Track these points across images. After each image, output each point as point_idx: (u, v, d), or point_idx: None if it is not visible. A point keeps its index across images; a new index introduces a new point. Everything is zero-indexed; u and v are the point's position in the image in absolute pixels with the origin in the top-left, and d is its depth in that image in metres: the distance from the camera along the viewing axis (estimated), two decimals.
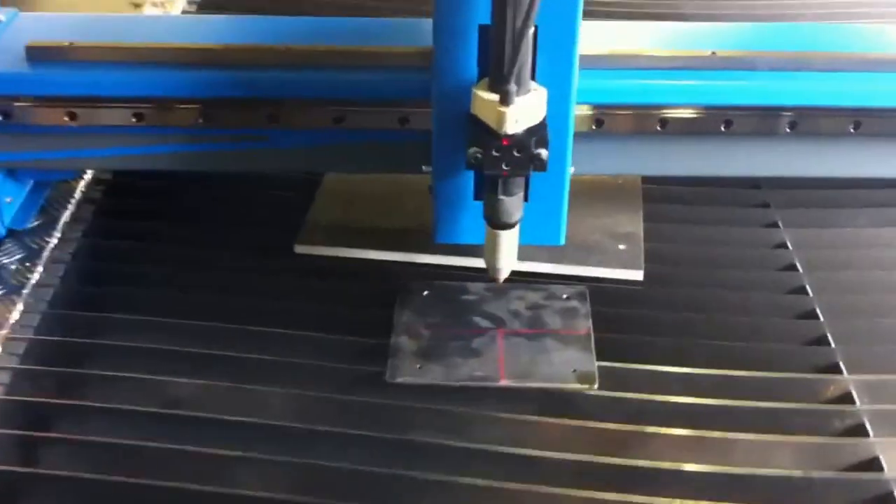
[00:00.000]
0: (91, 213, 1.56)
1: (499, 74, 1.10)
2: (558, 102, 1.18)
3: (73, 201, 1.56)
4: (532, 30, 1.07)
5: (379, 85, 1.33)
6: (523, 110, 1.11)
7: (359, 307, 1.39)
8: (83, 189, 1.59)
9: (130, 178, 1.61)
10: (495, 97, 1.10)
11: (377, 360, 1.30)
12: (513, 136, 1.11)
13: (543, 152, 1.13)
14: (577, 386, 1.26)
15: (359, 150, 1.37)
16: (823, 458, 1.20)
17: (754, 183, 1.65)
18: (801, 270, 1.48)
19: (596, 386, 1.26)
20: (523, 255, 1.39)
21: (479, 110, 1.13)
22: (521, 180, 1.18)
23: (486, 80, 1.14)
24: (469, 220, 1.29)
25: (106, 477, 1.15)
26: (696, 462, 1.18)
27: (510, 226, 1.22)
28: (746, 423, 1.23)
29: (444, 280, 1.43)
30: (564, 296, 1.39)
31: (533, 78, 1.14)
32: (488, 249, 1.26)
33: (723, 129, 1.37)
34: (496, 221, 1.21)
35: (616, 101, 1.35)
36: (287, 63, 1.34)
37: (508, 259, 1.27)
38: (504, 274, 1.29)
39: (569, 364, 1.28)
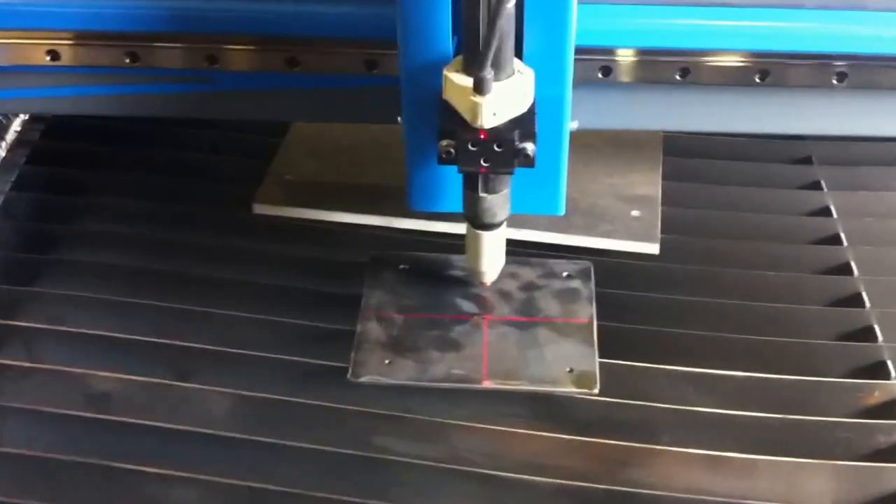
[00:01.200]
0: (24, 159, 1.35)
1: (472, 57, 0.90)
2: (553, 56, 0.97)
3: (3, 144, 1.35)
4: (511, 3, 0.85)
5: (341, 20, 1.11)
6: (503, 100, 0.91)
7: (323, 282, 1.19)
8: (18, 129, 1.38)
9: (73, 117, 1.39)
10: (468, 83, 0.90)
11: (340, 350, 1.10)
12: (492, 128, 0.92)
13: (530, 147, 0.93)
14: (574, 390, 1.06)
15: (317, 98, 1.17)
16: (866, 484, 1.00)
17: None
18: (845, 244, 1.26)
19: (596, 390, 1.06)
20: (518, 221, 1.19)
21: (451, 96, 0.93)
22: (506, 176, 0.99)
23: (460, 59, 0.93)
24: (448, 185, 1.08)
25: (9, 500, 0.96)
26: (713, 489, 0.99)
27: (495, 226, 1.04)
28: (775, 440, 1.03)
29: (424, 250, 1.22)
30: (565, 273, 1.18)
31: (518, 56, 0.94)
32: (470, 251, 1.08)
33: (757, 79, 1.13)
34: (478, 222, 1.03)
35: (626, 45, 1.13)
36: None
37: (495, 261, 1.09)
38: (491, 277, 1.11)
39: (565, 361, 1.08)
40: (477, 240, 1.06)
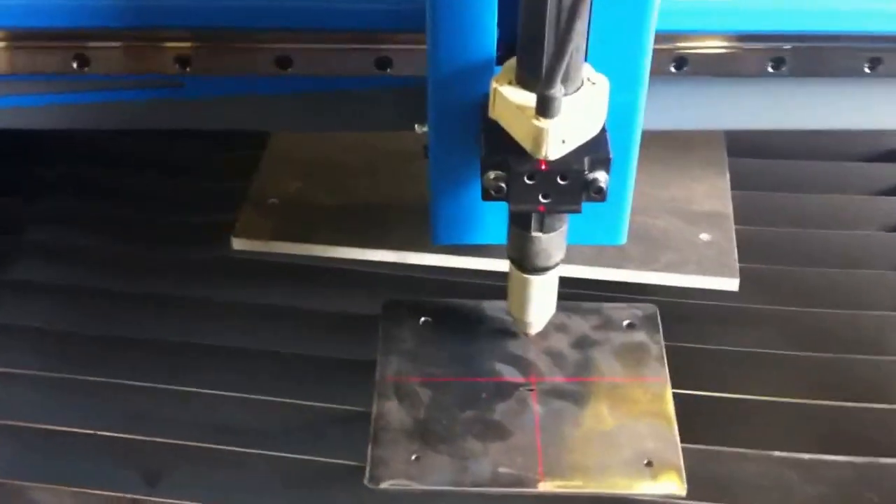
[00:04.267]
0: None
1: (533, 66, 0.70)
2: (628, 51, 0.77)
3: None
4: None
5: (346, 9, 0.89)
6: (573, 123, 0.70)
7: (325, 343, 0.97)
8: None
9: None
10: (529, 102, 0.70)
11: (352, 441, 0.87)
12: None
13: (602, 177, 0.74)
14: (656, 490, 0.84)
15: (315, 103, 0.96)
16: None
17: None
18: None
19: (683, 491, 0.83)
20: None
21: (503, 116, 0.73)
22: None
23: (511, 66, 0.73)
24: (481, 214, 0.88)
25: None
26: None
27: (547, 269, 0.84)
28: None
29: (449, 294, 1.00)
30: (626, 322, 0.96)
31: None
32: (515, 298, 0.89)
33: (867, 69, 0.91)
34: (527, 265, 0.84)
35: (707, 29, 0.91)
36: None
37: (544, 310, 0.89)
38: (538, 328, 0.91)
39: (640, 451, 0.86)
40: (524, 286, 0.86)
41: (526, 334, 0.92)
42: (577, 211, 0.76)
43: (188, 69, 0.90)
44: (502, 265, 0.98)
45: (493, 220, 0.86)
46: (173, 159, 1.15)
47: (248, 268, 1.03)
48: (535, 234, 0.80)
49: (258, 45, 0.89)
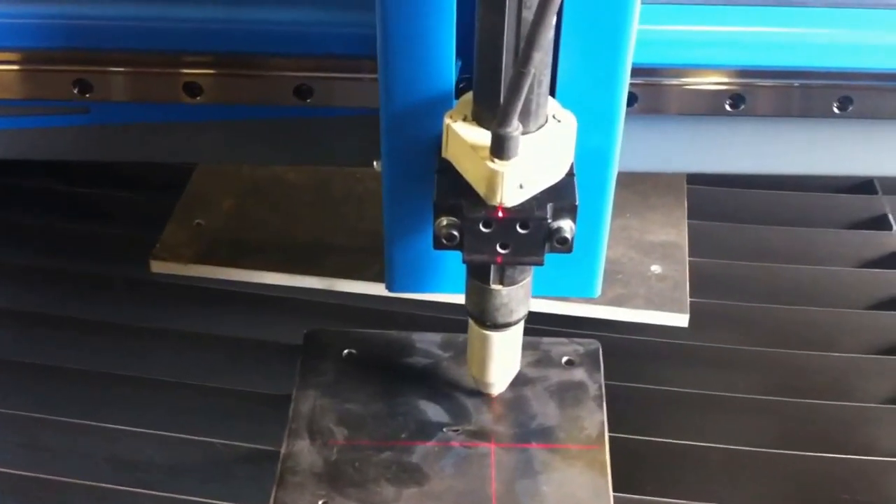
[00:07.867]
0: None
1: (488, 102, 0.65)
2: (601, 89, 0.71)
3: None
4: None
5: (258, 30, 0.84)
6: (533, 165, 0.65)
7: (243, 376, 0.92)
8: None
9: None
10: (484, 142, 0.64)
11: (259, 484, 0.81)
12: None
13: (567, 227, 0.68)
14: None
15: (227, 133, 0.90)
16: None
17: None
18: None
19: None
20: None
21: (456, 157, 0.67)
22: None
23: (468, 100, 0.68)
24: (443, 262, 0.81)
25: None
26: None
27: (510, 326, 0.77)
28: None
29: (377, 324, 0.95)
30: (565, 359, 0.90)
31: (552, 93, 0.68)
32: (475, 357, 0.82)
33: (836, 109, 0.85)
34: (488, 321, 0.77)
35: (661, 63, 0.86)
36: None
37: (506, 369, 0.82)
38: (500, 388, 0.84)
39: (567, 499, 0.79)
40: (484, 343, 0.79)
41: (488, 395, 0.85)
42: (540, 263, 0.70)
43: (88, 95, 0.84)
44: (441, 296, 0.95)
45: (456, 269, 0.78)
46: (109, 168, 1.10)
47: (167, 291, 0.98)
48: (494, 287, 0.74)
49: (167, 71, 0.84)
